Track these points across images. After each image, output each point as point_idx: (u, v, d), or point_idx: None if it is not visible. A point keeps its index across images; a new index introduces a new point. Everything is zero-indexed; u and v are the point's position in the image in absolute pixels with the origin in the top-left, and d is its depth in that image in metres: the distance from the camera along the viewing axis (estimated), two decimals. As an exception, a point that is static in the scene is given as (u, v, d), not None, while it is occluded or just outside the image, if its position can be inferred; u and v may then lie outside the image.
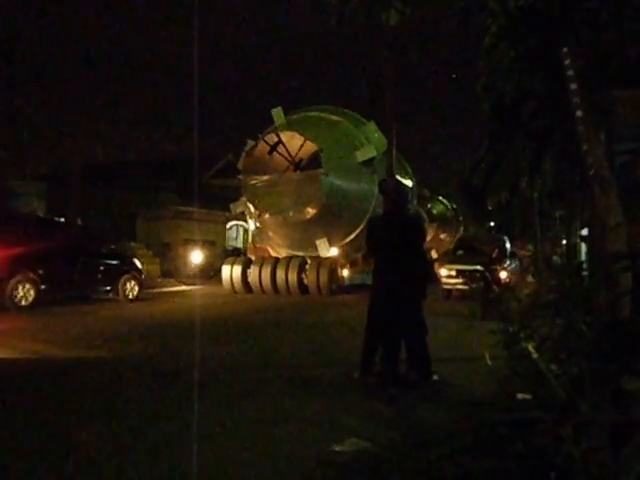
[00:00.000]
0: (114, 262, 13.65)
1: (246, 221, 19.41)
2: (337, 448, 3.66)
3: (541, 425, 2.94)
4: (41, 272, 11.32)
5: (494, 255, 15.20)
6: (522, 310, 4.06)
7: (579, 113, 3.62)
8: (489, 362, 4.41)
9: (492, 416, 3.66)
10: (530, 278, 14.66)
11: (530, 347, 3.41)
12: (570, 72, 3.67)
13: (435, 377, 5.49)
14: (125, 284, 13.40)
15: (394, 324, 5.54)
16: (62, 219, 16.94)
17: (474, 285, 12.73)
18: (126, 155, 27.82)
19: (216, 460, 3.50)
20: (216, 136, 32.23)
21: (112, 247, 15.37)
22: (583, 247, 19.67)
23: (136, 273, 13.97)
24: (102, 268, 13.16)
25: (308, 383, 5.57)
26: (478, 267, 13.31)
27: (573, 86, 3.66)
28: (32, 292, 11.05)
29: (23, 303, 10.90)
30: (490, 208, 24.64)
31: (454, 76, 16.81)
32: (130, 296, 13.47)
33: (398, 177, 13.96)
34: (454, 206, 28.40)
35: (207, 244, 25.25)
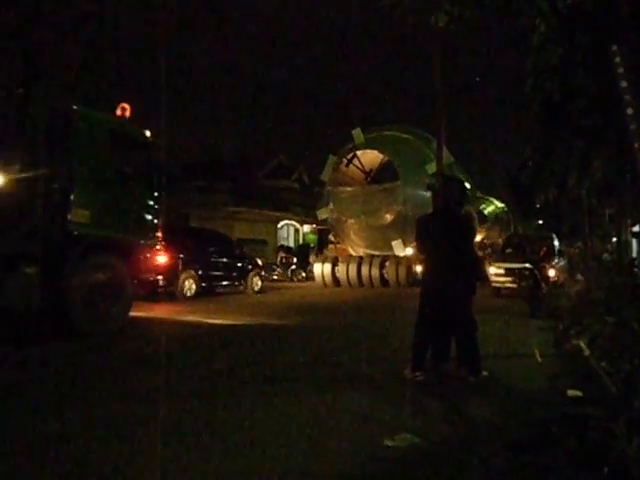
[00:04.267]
0: (244, 262, 16.90)
1: (332, 226, 21.97)
2: (388, 443, 3.68)
3: (593, 422, 2.95)
4: (200, 272, 14.57)
5: (542, 253, 15.02)
6: (572, 307, 4.06)
7: (630, 111, 3.61)
8: (539, 359, 4.44)
9: (543, 412, 3.66)
10: (579, 276, 14.39)
11: (582, 344, 3.41)
12: (620, 69, 3.66)
13: (484, 373, 5.49)
14: (252, 279, 16.81)
15: (444, 321, 5.59)
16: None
17: (523, 283, 12.62)
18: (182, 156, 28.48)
19: (269, 452, 3.56)
20: (266, 137, 32.72)
21: (243, 249, 18.54)
22: (634, 244, 19.13)
23: (259, 270, 17.69)
24: (237, 267, 16.45)
25: (359, 378, 5.63)
26: (527, 265, 13.16)
27: (623, 84, 3.65)
28: (194, 286, 14.33)
29: (188, 294, 14.08)
30: (538, 206, 24.21)
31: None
32: (255, 288, 16.89)
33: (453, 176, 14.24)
34: (503, 205, 28.10)
35: (260, 243, 25.81)
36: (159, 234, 9.41)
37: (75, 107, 8.14)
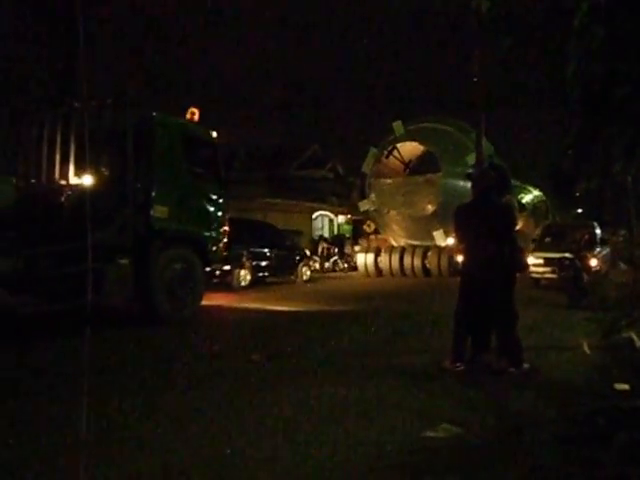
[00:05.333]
0: (294, 253, 17.85)
1: (373, 217, 22.31)
2: (430, 434, 3.67)
3: (643, 415, 2.88)
4: (254, 263, 15.45)
5: (584, 242, 14.53)
6: (621, 298, 3.95)
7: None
8: (588, 351, 4.32)
9: (590, 406, 3.58)
10: (622, 265, 13.97)
11: (633, 336, 3.32)
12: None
13: (526, 365, 5.41)
14: (302, 269, 17.76)
15: (484, 312, 5.53)
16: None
17: (563, 273, 12.32)
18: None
19: (311, 442, 3.60)
20: (300, 127, 32.86)
21: (293, 241, 19.50)
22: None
23: (308, 261, 18.64)
24: (288, 258, 17.25)
25: (400, 368, 5.66)
26: (567, 255, 12.84)
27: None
28: (248, 276, 15.11)
29: (243, 284, 14.80)
30: (578, 195, 23.59)
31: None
32: (304, 278, 17.76)
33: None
34: (541, 194, 27.54)
35: (296, 234, 25.93)
36: (226, 227, 10.14)
37: (154, 113, 8.90)
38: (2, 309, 7.42)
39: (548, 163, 27.73)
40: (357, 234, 27.22)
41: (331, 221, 31.94)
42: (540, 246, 15.32)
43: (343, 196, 33.09)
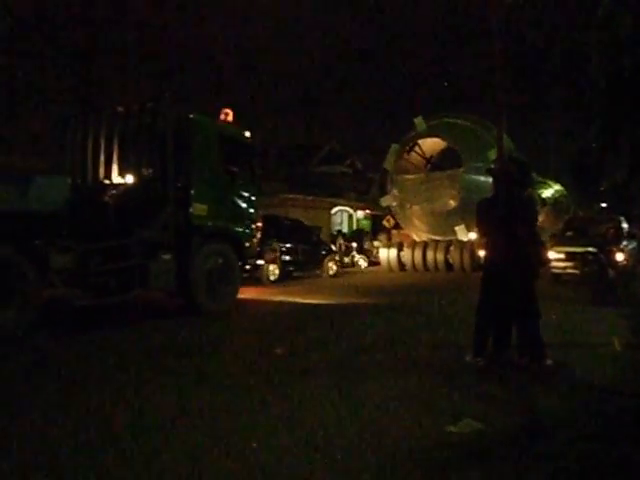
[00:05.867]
0: (320, 248, 18.25)
1: (395, 212, 22.28)
2: (452, 429, 3.65)
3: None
4: (283, 258, 15.88)
5: (609, 236, 13.94)
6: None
7: None
8: (618, 348, 4.22)
9: (617, 404, 3.50)
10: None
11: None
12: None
13: (549, 361, 5.35)
14: (327, 264, 18.04)
15: (505, 306, 5.47)
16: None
17: (586, 268, 11.95)
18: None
19: (334, 436, 3.62)
20: (318, 123, 32.75)
21: (319, 236, 19.77)
22: None
23: (334, 256, 18.89)
24: (314, 253, 17.64)
25: (421, 363, 5.66)
26: (590, 249, 12.42)
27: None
28: (277, 271, 15.44)
29: (272, 278, 15.16)
30: (602, 189, 23.19)
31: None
32: (330, 273, 18.05)
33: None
34: (562, 189, 27.17)
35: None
36: (259, 224, 10.67)
37: (191, 115, 9.26)
38: (60, 302, 8.01)
39: (569, 158, 27.28)
40: (376, 229, 27.20)
41: (350, 216, 31.92)
42: (561, 240, 14.56)
43: (362, 191, 33.04)
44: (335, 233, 26.18)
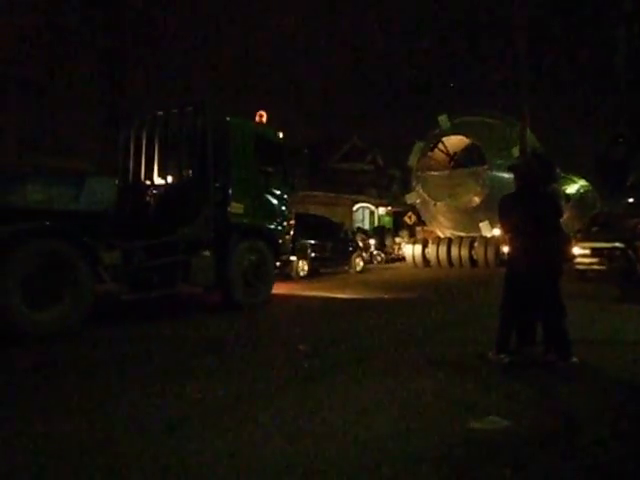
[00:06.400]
0: (348, 245, 18.65)
1: (419, 209, 22.76)
2: (476, 425, 3.64)
3: None
4: (312, 254, 16.44)
5: (637, 231, 13.65)
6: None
7: None
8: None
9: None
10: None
11: None
12: None
13: (574, 359, 5.28)
14: (354, 260, 18.37)
15: (529, 303, 5.43)
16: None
17: (613, 264, 11.67)
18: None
19: (357, 432, 3.62)
20: (339, 119, 32.66)
21: (347, 233, 20.25)
22: None
23: (361, 252, 19.30)
24: (342, 249, 18.08)
25: (444, 359, 5.68)
26: (617, 244, 12.11)
27: None
28: (306, 267, 16.08)
29: (301, 274, 15.78)
30: (629, 184, 22.76)
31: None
32: (357, 269, 18.34)
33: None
34: (587, 184, 26.75)
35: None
36: (292, 221, 11.08)
37: (228, 118, 9.69)
38: (107, 296, 8.45)
39: (595, 153, 26.86)
40: (397, 226, 27.17)
41: (372, 213, 31.88)
42: (587, 236, 14.16)
43: (383, 188, 32.96)
44: (355, 230, 26.17)
